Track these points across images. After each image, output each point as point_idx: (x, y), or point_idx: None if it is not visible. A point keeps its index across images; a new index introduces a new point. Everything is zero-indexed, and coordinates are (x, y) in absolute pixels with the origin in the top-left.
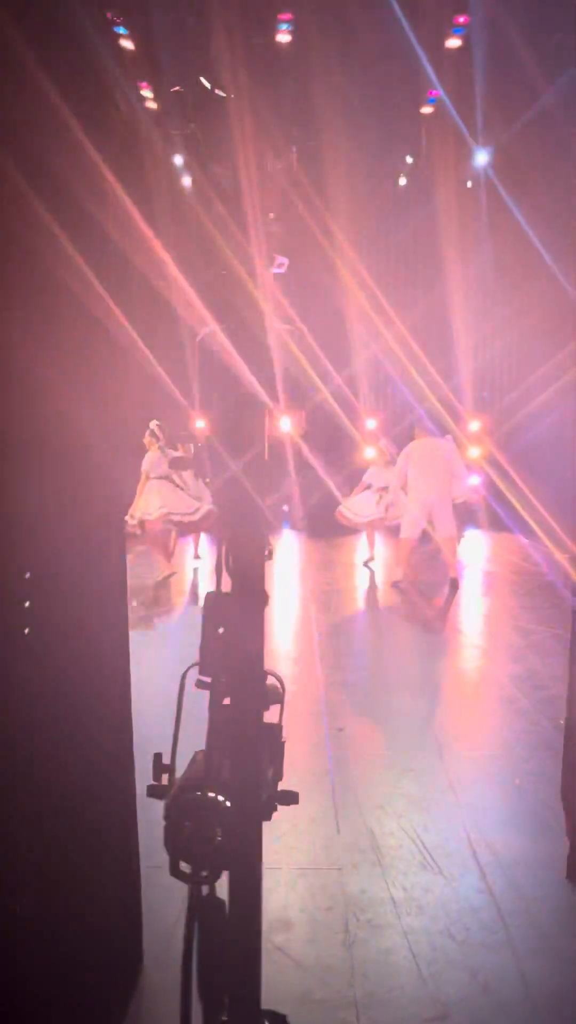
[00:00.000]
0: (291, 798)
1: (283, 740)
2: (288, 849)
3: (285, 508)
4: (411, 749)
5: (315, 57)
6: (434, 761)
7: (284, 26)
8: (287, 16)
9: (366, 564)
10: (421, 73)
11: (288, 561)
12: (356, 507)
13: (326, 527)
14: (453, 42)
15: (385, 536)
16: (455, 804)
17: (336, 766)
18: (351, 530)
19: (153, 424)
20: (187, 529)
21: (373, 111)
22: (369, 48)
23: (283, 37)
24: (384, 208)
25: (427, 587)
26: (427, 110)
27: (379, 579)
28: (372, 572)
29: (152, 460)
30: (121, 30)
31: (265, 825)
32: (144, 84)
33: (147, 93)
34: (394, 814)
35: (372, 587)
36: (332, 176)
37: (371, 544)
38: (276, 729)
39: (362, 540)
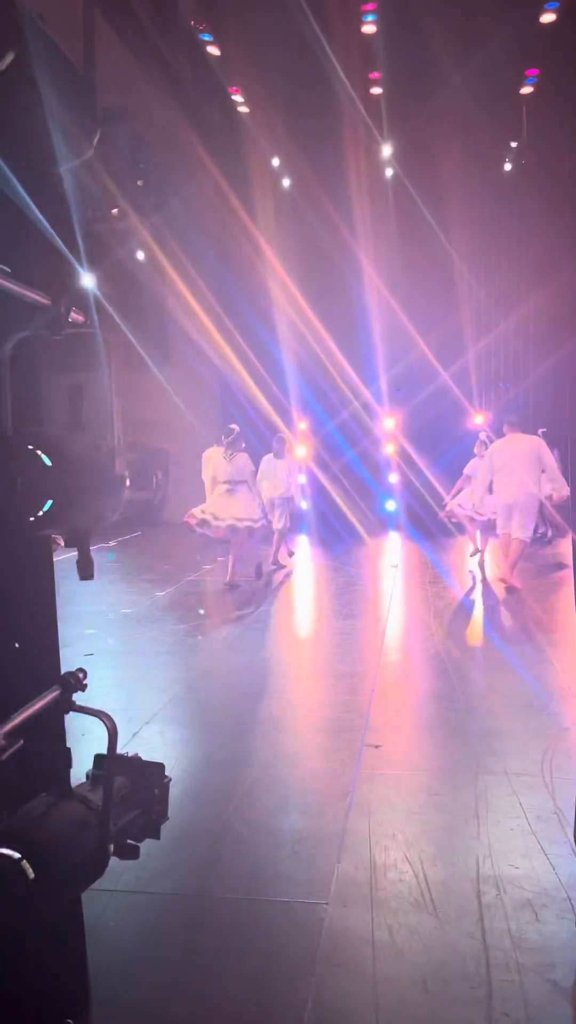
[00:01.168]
0: (130, 852)
1: (166, 779)
2: (278, 878)
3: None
4: (448, 770)
5: (401, 47)
6: (468, 784)
7: (369, 17)
8: (371, 6)
9: (479, 567)
10: (517, 51)
11: (374, 564)
12: (463, 500)
13: (431, 527)
14: (548, 17)
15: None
16: (475, 835)
17: (359, 787)
18: (456, 529)
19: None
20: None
21: (470, 96)
22: (457, 31)
23: (368, 28)
24: (492, 197)
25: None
26: (527, 90)
27: (468, 583)
28: (474, 574)
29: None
30: (206, 36)
31: (265, 851)
32: (235, 88)
33: (238, 98)
34: (404, 843)
35: (460, 591)
36: (435, 169)
37: (473, 538)
38: (143, 767)
39: (460, 539)
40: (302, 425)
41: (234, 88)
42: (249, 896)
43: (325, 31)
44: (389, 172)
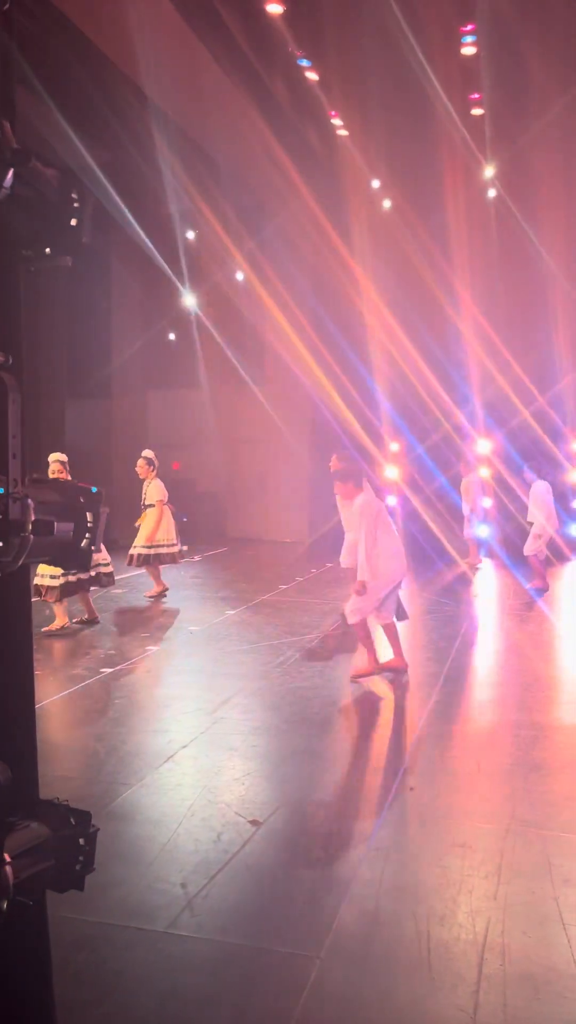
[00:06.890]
0: (20, 907)
1: (94, 828)
2: (277, 929)
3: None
4: (482, 818)
5: (502, 67)
6: (496, 836)
7: (468, 39)
8: (470, 27)
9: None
10: None
11: (458, 591)
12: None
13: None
14: None
15: None
16: (493, 895)
17: (382, 830)
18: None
19: (149, 453)
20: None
21: (574, 113)
22: (558, 48)
23: (468, 50)
24: None
25: None
26: None
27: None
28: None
29: (162, 487)
30: (304, 62)
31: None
32: (334, 113)
33: (337, 121)
34: (418, 898)
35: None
36: (538, 189)
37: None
38: (67, 815)
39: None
40: (394, 447)
41: (333, 112)
42: (232, 940)
43: (424, 54)
44: (491, 192)
